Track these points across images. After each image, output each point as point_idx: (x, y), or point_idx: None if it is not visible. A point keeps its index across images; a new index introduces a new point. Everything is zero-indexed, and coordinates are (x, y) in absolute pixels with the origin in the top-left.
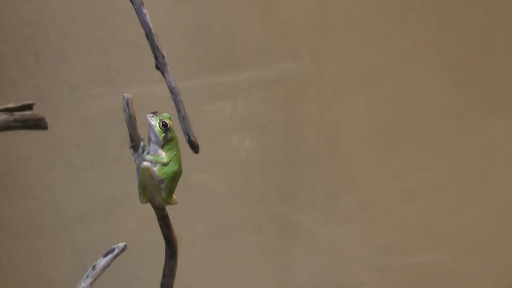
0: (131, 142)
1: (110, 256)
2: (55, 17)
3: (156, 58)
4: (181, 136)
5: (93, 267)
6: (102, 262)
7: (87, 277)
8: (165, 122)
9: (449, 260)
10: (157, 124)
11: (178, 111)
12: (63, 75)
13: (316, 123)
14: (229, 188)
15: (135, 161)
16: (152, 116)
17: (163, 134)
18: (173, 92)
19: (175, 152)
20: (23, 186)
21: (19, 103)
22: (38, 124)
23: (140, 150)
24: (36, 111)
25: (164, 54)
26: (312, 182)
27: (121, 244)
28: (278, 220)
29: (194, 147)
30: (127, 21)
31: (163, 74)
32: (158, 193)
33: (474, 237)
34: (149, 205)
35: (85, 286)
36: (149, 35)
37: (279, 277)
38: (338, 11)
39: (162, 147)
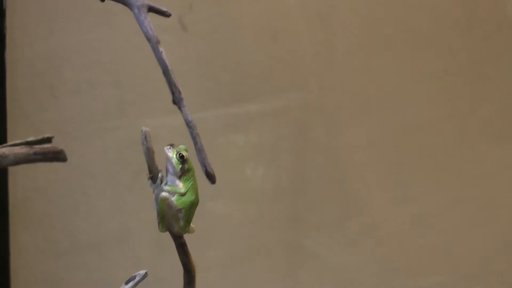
0: (150, 174)
1: (131, 283)
2: (69, 52)
3: (173, 93)
4: (197, 167)
5: None
6: None
7: None
8: (182, 154)
9: (454, 283)
10: (174, 156)
11: (195, 143)
12: (78, 108)
13: (322, 149)
14: (242, 215)
15: (153, 192)
16: (169, 148)
17: (180, 166)
18: (189, 126)
19: (192, 183)
20: (40, 215)
21: (38, 137)
22: (57, 156)
23: (158, 181)
24: (54, 144)
25: (180, 89)
26: (319, 206)
27: (142, 272)
28: (287, 245)
29: (211, 178)
30: (139, 55)
31: (180, 108)
32: (176, 222)
33: (478, 259)
34: (161, 234)
35: None
36: (165, 71)
37: None
38: (342, 40)
39: (179, 178)
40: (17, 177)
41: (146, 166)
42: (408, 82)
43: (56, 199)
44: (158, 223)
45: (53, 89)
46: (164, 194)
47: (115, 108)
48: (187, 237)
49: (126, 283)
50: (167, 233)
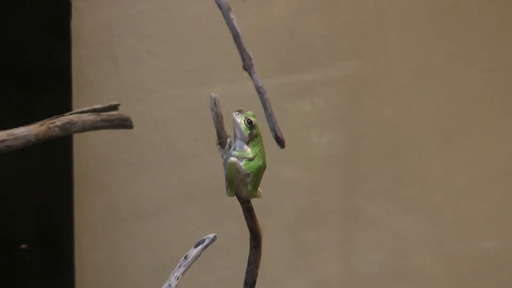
0: (218, 139)
1: (201, 246)
2: (130, 22)
3: (243, 59)
4: (264, 132)
5: (185, 257)
6: (193, 252)
7: (179, 266)
8: (250, 119)
9: (509, 247)
10: (243, 121)
11: (265, 109)
12: (138, 77)
13: (378, 117)
14: (305, 181)
15: (222, 157)
16: (238, 114)
17: (249, 131)
18: (260, 91)
19: (259, 148)
20: (101, 183)
21: (104, 104)
22: (124, 123)
23: (226, 146)
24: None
25: (251, 55)
26: (374, 175)
27: (211, 235)
28: (343, 211)
29: (281, 143)
30: (198, 25)
31: (250, 74)
32: (244, 186)
33: None
34: (220, 201)
35: (178, 275)
36: (236, 38)
37: (345, 267)
38: (396, 9)
39: (247, 143)
40: (81, 146)
41: (205, 135)
42: (462, 51)
43: (117, 167)
44: (227, 187)
45: (115, 58)
46: (232, 159)
47: (175, 77)
48: (254, 202)
49: (196, 246)
50: (227, 200)
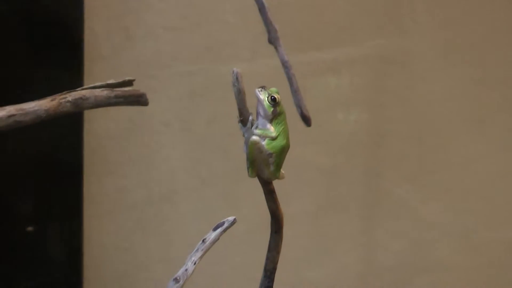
0: (240, 117)
1: (219, 229)
2: None
3: (269, 32)
4: (288, 111)
5: (203, 241)
6: (212, 235)
7: (197, 250)
8: (274, 96)
9: None
10: (266, 98)
11: (291, 84)
12: (152, 52)
13: (403, 100)
14: (329, 163)
15: (243, 135)
16: (261, 90)
17: (272, 109)
18: (286, 66)
19: (283, 127)
20: (112, 164)
21: (119, 79)
22: (139, 100)
23: (248, 124)
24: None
25: (277, 28)
26: (399, 159)
27: (231, 218)
28: (365, 198)
29: (307, 121)
30: (215, 0)
31: (276, 48)
32: (266, 167)
33: None
34: (235, 185)
35: (195, 260)
36: (262, 9)
37: (365, 257)
38: None
39: (270, 121)
40: (91, 124)
41: (221, 115)
42: (491, 32)
43: (129, 148)
44: (248, 168)
45: (129, 32)
46: (254, 137)
47: (190, 54)
48: (276, 184)
49: (214, 229)
50: (244, 184)
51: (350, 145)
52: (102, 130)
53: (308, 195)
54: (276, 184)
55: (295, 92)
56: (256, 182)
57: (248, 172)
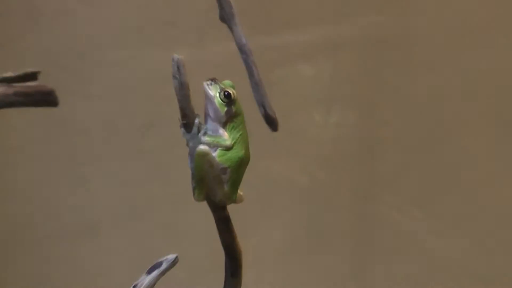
0: (183, 119)
1: (156, 272)
2: None
3: (221, 7)
4: (248, 111)
5: (134, 287)
6: (145, 280)
7: None
8: (228, 92)
9: None
10: (218, 94)
11: (251, 76)
12: (65, 36)
13: (403, 96)
14: (306, 179)
15: (187, 145)
16: (211, 84)
17: (226, 108)
18: (243, 50)
19: (241, 132)
20: (11, 187)
21: (19, 71)
22: (46, 98)
23: (195, 129)
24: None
25: (232, 2)
26: (399, 175)
27: (171, 257)
28: (354, 228)
29: (272, 123)
30: None
31: (230, 28)
32: (219, 186)
33: None
34: (178, 213)
35: None
36: None
37: None
38: None
39: (224, 125)
40: None
41: (160, 118)
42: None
43: (35, 164)
44: (193, 188)
45: (33, 8)
46: (203, 147)
47: (117, 37)
48: (232, 211)
49: (149, 272)
50: (190, 211)
51: (333, 156)
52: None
53: (277, 225)
54: (232, 210)
55: (256, 85)
56: (205, 207)
57: (194, 194)
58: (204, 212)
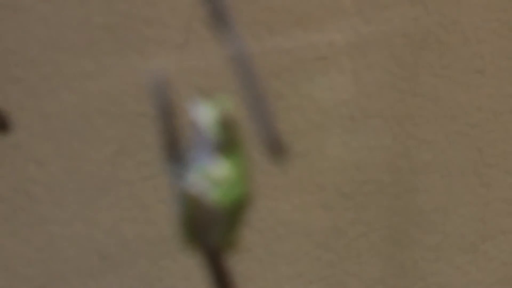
0: (168, 152)
1: None
2: None
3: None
4: (250, 134)
5: None
6: None
7: None
8: (224, 113)
9: None
10: (210, 116)
11: (249, 88)
12: (16, 38)
13: (447, 108)
14: (319, 222)
15: (172, 182)
16: (201, 101)
17: (221, 133)
18: (240, 59)
19: (240, 164)
20: None
21: None
22: None
23: (181, 162)
24: None
25: None
26: (444, 212)
27: None
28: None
29: (279, 151)
30: None
31: (224, 28)
32: (212, 231)
33: None
34: (160, 265)
35: None
36: None
37: None
38: None
39: (218, 154)
40: None
41: (131, 145)
42: None
43: None
44: (182, 233)
45: None
46: (193, 185)
47: (80, 40)
48: (231, 259)
49: None
50: (173, 259)
51: (358, 189)
52: None
53: (289, 277)
54: (232, 260)
55: (256, 101)
56: (196, 257)
57: (182, 239)
58: (195, 263)
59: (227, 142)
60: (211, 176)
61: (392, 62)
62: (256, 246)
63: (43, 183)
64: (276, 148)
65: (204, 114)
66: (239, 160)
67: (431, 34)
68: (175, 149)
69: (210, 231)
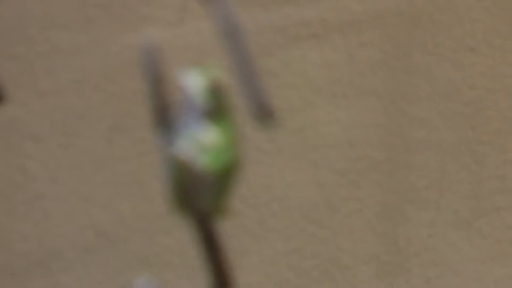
0: (157, 118)
1: None
2: None
3: None
4: (242, 104)
5: None
6: None
7: None
8: (213, 80)
9: None
10: (199, 83)
11: (239, 55)
12: (14, 17)
13: (440, 86)
14: (313, 189)
15: (163, 147)
16: (190, 71)
17: (210, 100)
18: (232, 30)
19: (228, 130)
20: None
21: None
22: None
23: (170, 129)
24: None
25: None
26: (436, 187)
27: (143, 281)
28: (381, 256)
29: (267, 115)
30: None
31: (216, 3)
32: (201, 196)
33: None
34: (153, 237)
35: None
36: None
37: None
38: None
39: (208, 122)
40: None
41: (128, 118)
42: None
43: None
44: (171, 197)
45: None
46: (181, 149)
47: (75, 16)
48: (222, 226)
49: None
50: (168, 234)
51: (351, 164)
52: None
53: (280, 251)
54: (223, 227)
55: (245, 68)
56: (187, 226)
57: (170, 205)
58: (189, 233)
59: (216, 109)
60: (200, 142)
61: (385, 40)
62: (251, 222)
63: (39, 159)
64: (264, 107)
65: (193, 81)
66: (227, 126)
67: (424, 12)
68: (164, 115)
69: (199, 196)
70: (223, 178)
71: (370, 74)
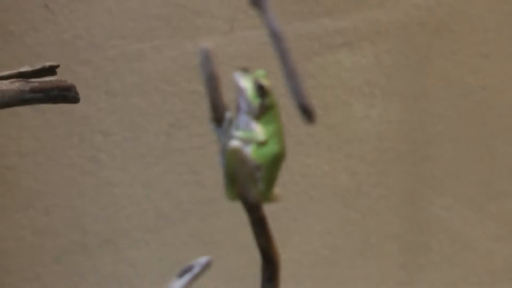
0: (213, 113)
1: (188, 276)
2: None
3: None
4: (282, 103)
5: None
6: (176, 284)
7: None
8: (261, 83)
9: None
10: (251, 86)
11: (285, 63)
12: (84, 27)
13: (456, 87)
14: (348, 177)
15: (219, 141)
16: (242, 74)
17: (259, 101)
18: (277, 37)
19: (275, 126)
20: (26, 194)
21: (35, 65)
22: (66, 94)
23: (225, 124)
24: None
25: None
26: (453, 175)
27: (203, 260)
28: (403, 237)
29: (309, 113)
30: None
31: (262, 13)
32: (252, 185)
33: None
34: (209, 218)
35: None
36: None
37: None
38: None
39: (257, 119)
40: None
41: (186, 116)
42: None
43: (51, 169)
44: (226, 186)
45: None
46: (235, 143)
47: (138, 27)
48: (268, 209)
49: (180, 275)
50: (222, 217)
51: (378, 155)
52: (11, 145)
53: (317, 230)
54: (268, 210)
55: (290, 73)
56: (239, 210)
57: (226, 192)
58: (239, 216)
59: (264, 107)
60: (251, 136)
61: (409, 47)
62: (292, 206)
63: (108, 151)
64: (306, 110)
65: (245, 83)
66: (274, 122)
67: (443, 23)
68: (219, 112)
69: (250, 184)
70: (271, 168)
71: (396, 76)
